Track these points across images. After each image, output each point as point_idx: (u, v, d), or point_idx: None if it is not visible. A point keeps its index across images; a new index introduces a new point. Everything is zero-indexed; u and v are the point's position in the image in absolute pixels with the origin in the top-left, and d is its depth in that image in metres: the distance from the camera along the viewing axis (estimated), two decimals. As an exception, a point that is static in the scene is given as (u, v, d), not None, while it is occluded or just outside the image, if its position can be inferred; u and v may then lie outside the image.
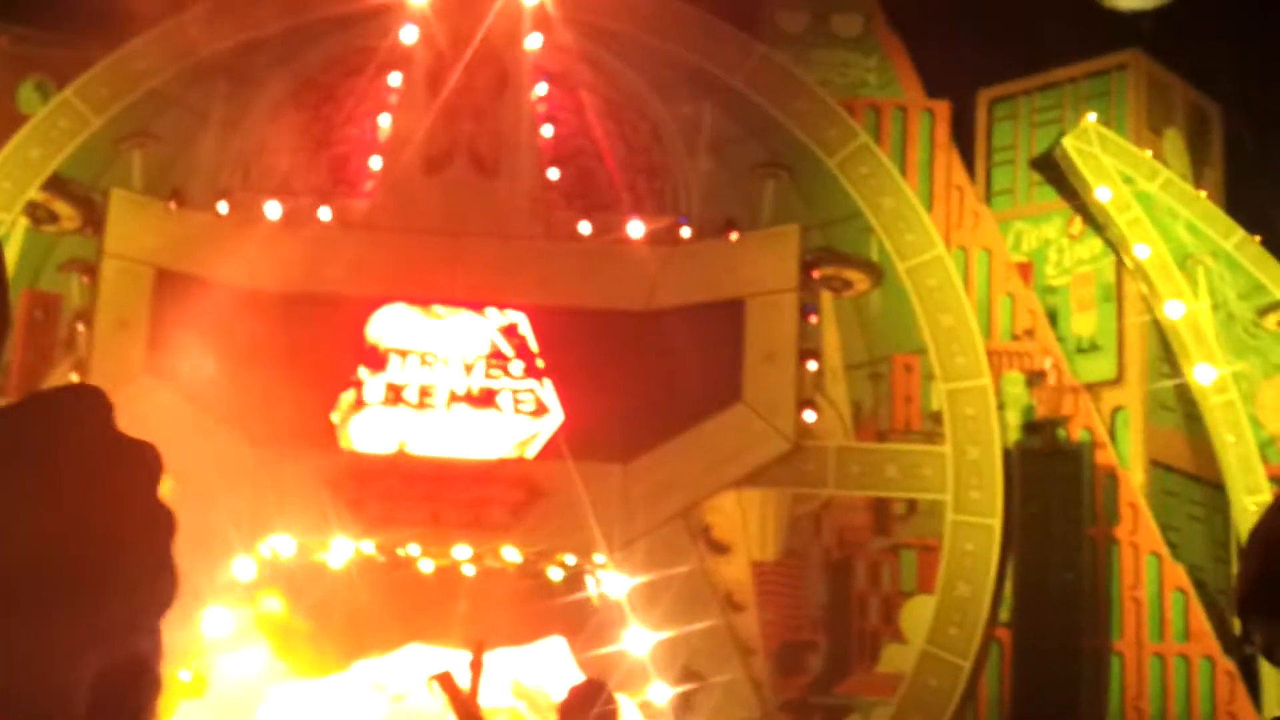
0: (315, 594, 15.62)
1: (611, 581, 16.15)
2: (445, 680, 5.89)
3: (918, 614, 16.17)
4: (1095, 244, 18.09)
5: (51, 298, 16.73)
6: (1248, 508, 16.14)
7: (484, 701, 7.37)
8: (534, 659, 15.34)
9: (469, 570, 16.23)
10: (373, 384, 16.79)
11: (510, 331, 17.14)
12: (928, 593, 16.17)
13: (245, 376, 15.33)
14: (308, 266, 16.40)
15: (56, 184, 16.49)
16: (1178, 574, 16.13)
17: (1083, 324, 17.65)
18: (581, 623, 16.05)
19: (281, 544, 15.78)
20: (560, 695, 5.34)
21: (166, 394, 15.80)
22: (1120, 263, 17.76)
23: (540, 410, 16.90)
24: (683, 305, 16.86)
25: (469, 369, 16.96)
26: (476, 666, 6.34)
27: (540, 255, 17.10)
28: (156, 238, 16.35)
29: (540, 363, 17.00)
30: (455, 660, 6.94)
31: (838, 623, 16.76)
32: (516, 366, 17.00)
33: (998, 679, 15.97)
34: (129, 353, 16.05)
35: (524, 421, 16.86)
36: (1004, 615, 15.99)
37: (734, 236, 17.17)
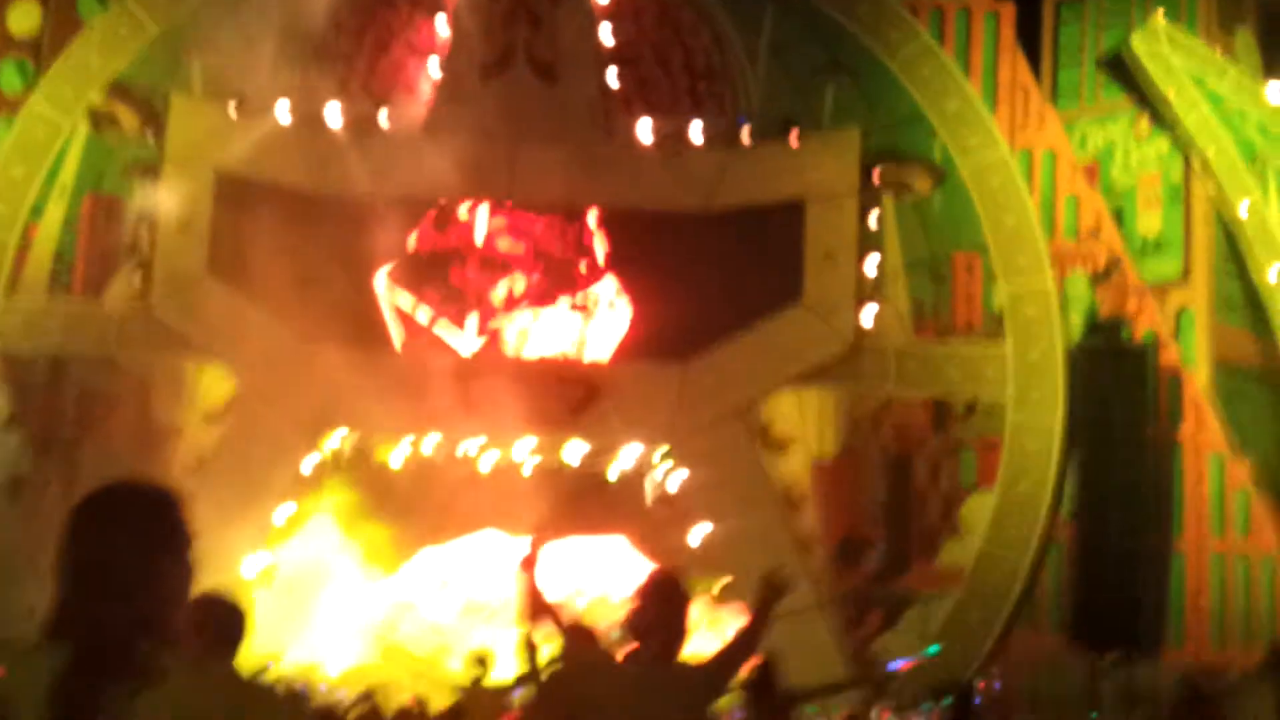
0: (379, 489, 15.80)
1: (670, 478, 16.21)
2: (528, 563, 5.75)
3: (978, 511, 16.11)
4: (1162, 144, 17.77)
5: (115, 201, 16.87)
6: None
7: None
8: (595, 555, 15.46)
9: (529, 467, 16.34)
10: (433, 284, 16.86)
11: (572, 233, 17.15)
12: (988, 489, 16.11)
13: (305, 278, 15.43)
14: (367, 171, 16.45)
15: (118, 89, 16.58)
16: (1241, 473, 15.96)
17: (1149, 224, 17.37)
18: (640, 519, 16.14)
19: (345, 441, 15.96)
20: (631, 586, 5.31)
21: (228, 295, 15.95)
22: (1188, 163, 17.44)
23: (601, 311, 16.93)
24: (743, 207, 16.80)
25: (531, 270, 16.99)
26: (532, 561, 6.29)
27: (600, 159, 17.05)
28: (216, 142, 16.42)
29: (602, 264, 17.01)
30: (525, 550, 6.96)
31: (896, 519, 16.74)
32: (578, 267, 17.02)
33: (1058, 576, 15.91)
34: (191, 255, 16.19)
35: (585, 321, 16.89)
36: (1065, 513, 15.90)
37: (795, 139, 17.03)
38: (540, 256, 17.04)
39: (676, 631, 4.92)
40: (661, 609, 4.96)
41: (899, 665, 13.80)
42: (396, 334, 16.72)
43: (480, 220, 17.11)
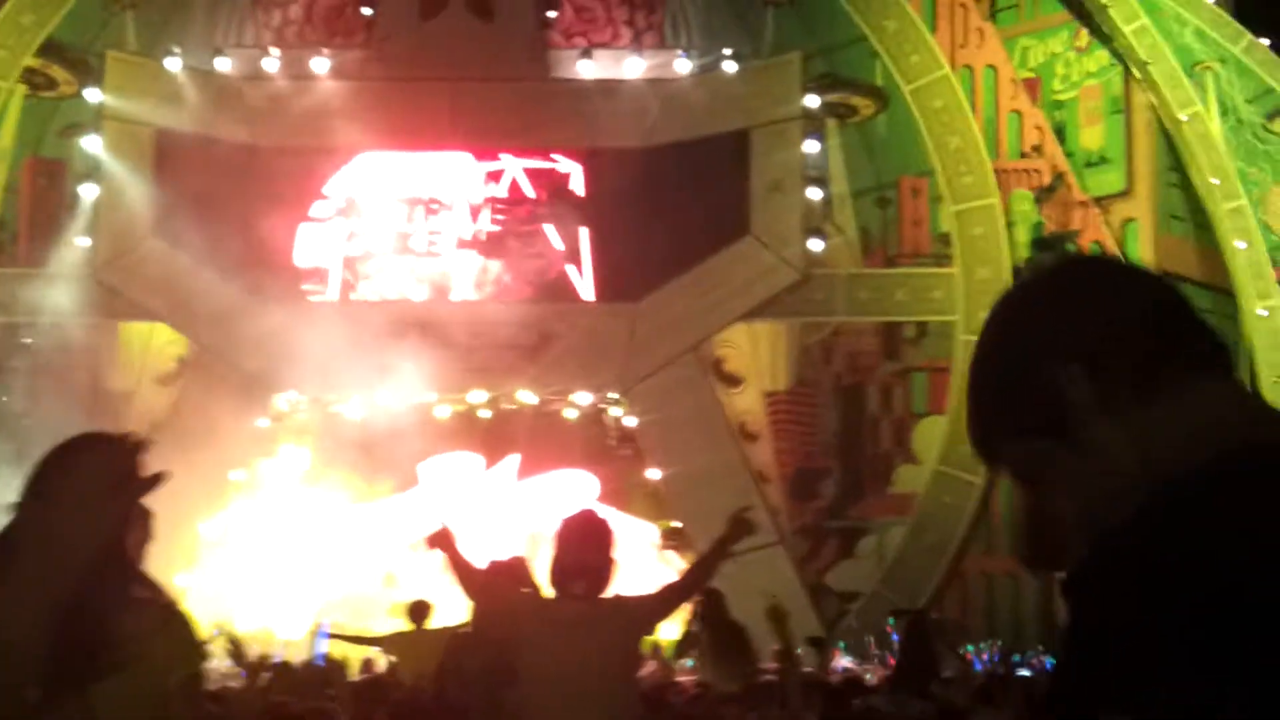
0: (334, 443, 15.82)
1: (626, 418, 16.31)
2: (442, 537, 5.66)
3: (930, 434, 16.27)
4: (1102, 56, 17.78)
5: (55, 164, 16.72)
6: (1257, 313, 16.11)
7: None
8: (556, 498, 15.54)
9: (485, 414, 16.41)
10: (380, 233, 16.81)
11: (514, 175, 17.08)
12: (939, 413, 16.27)
13: (251, 232, 15.35)
14: (307, 120, 16.30)
15: (52, 49, 16.38)
16: (1189, 384, 16.10)
17: (1091, 138, 17.43)
18: (599, 460, 16.25)
19: (297, 398, 15.96)
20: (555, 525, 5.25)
21: (172, 255, 15.83)
22: (1128, 74, 17.47)
23: (548, 253, 16.91)
24: (686, 140, 16.73)
25: (475, 214, 16.93)
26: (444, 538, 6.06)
27: (541, 96, 16.97)
28: (154, 98, 16.26)
29: (546, 205, 16.97)
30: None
31: (851, 448, 16.91)
32: (523, 210, 16.97)
33: (1010, 497, 16.08)
34: (134, 215, 16.07)
35: (532, 264, 16.88)
36: (1017, 432, 16.05)
37: (735, 68, 16.97)
38: (485, 199, 16.98)
39: (598, 570, 4.91)
40: (580, 551, 4.95)
41: None
42: (335, 284, 16.61)
43: (422, 165, 17.02)
